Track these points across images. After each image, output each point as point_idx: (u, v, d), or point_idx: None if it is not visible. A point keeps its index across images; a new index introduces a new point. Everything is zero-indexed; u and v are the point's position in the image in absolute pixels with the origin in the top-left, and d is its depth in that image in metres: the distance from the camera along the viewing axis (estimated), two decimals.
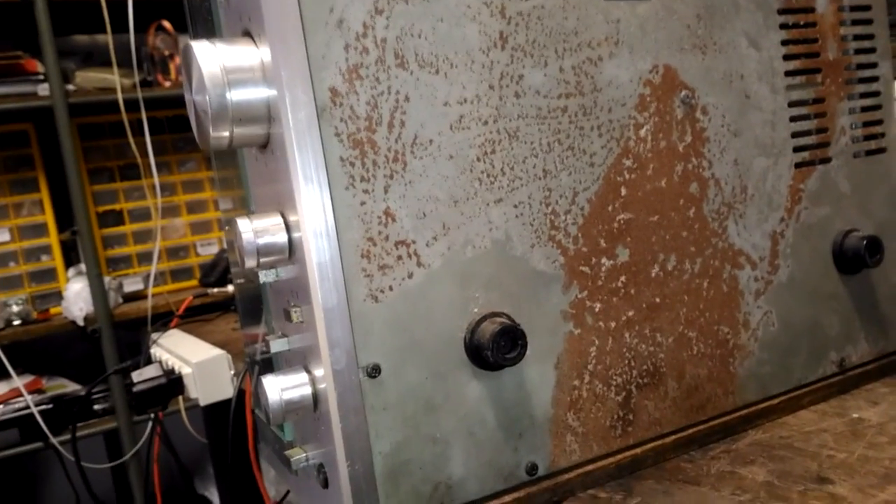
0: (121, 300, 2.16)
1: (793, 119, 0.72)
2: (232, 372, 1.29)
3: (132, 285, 2.23)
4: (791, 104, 0.72)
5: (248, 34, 0.56)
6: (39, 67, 1.99)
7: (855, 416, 0.70)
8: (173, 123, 2.34)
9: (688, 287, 0.67)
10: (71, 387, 2.09)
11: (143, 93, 2.01)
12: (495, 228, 0.59)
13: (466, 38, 0.58)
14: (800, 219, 0.73)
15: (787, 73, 0.72)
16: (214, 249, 2.39)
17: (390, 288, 0.56)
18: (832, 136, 0.75)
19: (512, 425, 0.60)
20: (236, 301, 0.76)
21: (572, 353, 0.62)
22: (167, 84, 2.24)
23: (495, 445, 0.59)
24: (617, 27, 0.63)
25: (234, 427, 1.12)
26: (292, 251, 0.55)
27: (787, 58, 0.72)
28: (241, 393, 1.01)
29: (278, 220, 0.55)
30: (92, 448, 2.11)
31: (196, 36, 0.70)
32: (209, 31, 0.65)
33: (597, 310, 0.63)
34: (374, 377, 0.55)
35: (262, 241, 0.54)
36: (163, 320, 1.99)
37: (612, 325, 0.63)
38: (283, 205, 0.55)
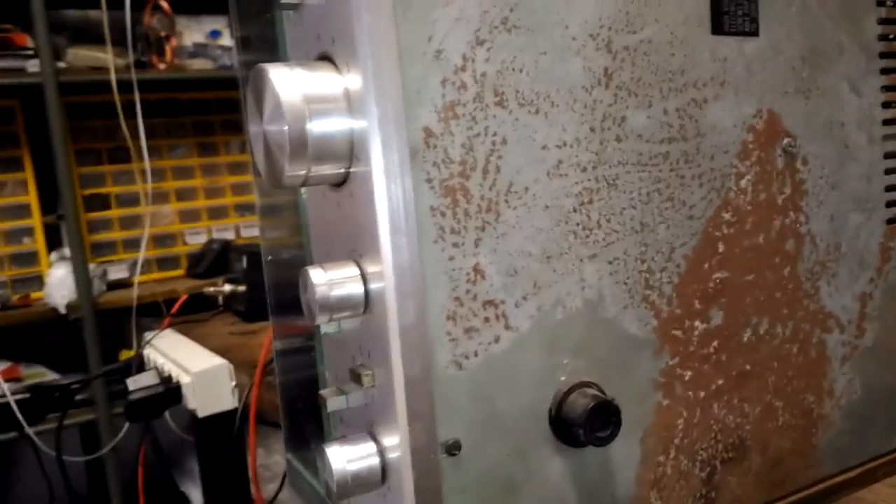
0: (105, 288, 2.07)
1: (887, 172, 0.67)
2: (233, 383, 1.23)
3: (117, 273, 2.14)
4: (887, 155, 0.67)
5: (327, 58, 0.49)
6: (29, 42, 1.89)
7: None
8: (165, 107, 2.25)
9: (778, 353, 0.61)
10: (50, 375, 2.00)
11: (136, 74, 1.92)
12: (588, 287, 0.53)
13: (570, 73, 0.52)
14: (888, 279, 0.68)
15: (885, 122, 0.67)
16: (203, 239, 2.31)
17: (475, 354, 0.49)
18: None
19: None
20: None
21: (659, 427, 0.56)
22: (162, 66, 2.15)
23: None
24: (724, 66, 0.57)
25: (236, 443, 1.06)
26: (367, 306, 0.49)
27: (885, 105, 0.67)
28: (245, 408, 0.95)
29: (354, 270, 0.49)
30: (66, 440, 2.02)
31: (245, 51, 0.63)
32: (266, 47, 0.57)
33: (687, 378, 0.57)
34: (454, 455, 0.49)
35: (336, 293, 0.48)
36: (151, 316, 1.91)
37: (702, 394, 0.58)
38: (359, 253, 0.49)
